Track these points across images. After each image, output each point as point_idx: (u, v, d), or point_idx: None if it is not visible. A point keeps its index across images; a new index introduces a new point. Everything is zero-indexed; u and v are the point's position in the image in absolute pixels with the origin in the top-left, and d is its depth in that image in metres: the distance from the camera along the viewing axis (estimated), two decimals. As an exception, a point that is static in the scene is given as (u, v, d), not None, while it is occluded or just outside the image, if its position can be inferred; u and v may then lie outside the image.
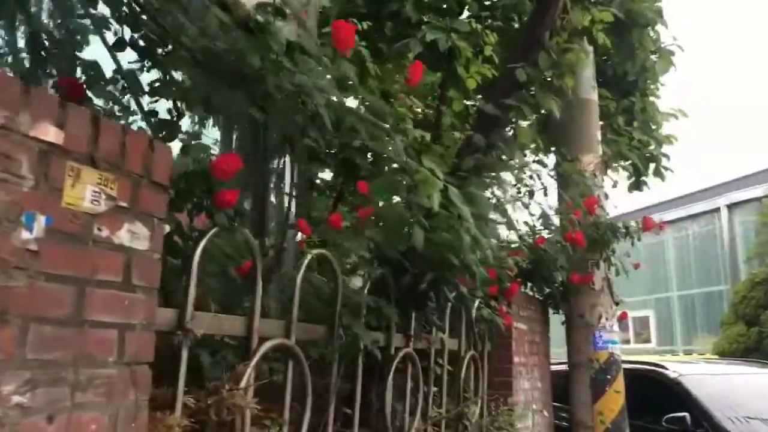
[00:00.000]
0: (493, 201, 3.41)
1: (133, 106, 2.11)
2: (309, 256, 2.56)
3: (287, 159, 4.56)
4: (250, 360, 2.21)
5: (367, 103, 4.88)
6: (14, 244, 1.35)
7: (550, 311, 6.26)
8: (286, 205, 4.07)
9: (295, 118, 2.11)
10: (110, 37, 2.07)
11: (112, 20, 2.03)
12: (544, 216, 5.48)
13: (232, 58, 1.88)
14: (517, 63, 3.33)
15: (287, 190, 4.77)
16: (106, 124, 1.59)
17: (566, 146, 6.17)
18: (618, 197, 6.56)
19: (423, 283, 3.04)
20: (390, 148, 2.41)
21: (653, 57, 6.93)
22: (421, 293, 3.09)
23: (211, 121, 4.75)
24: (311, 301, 2.75)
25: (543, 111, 3.38)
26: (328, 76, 2.22)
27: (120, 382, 1.60)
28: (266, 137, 3.84)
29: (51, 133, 1.43)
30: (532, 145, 6.25)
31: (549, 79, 3.68)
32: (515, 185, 4.67)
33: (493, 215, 3.42)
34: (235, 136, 4.71)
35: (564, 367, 6.41)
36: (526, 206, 4.61)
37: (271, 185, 4.90)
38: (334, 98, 2.17)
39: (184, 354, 1.97)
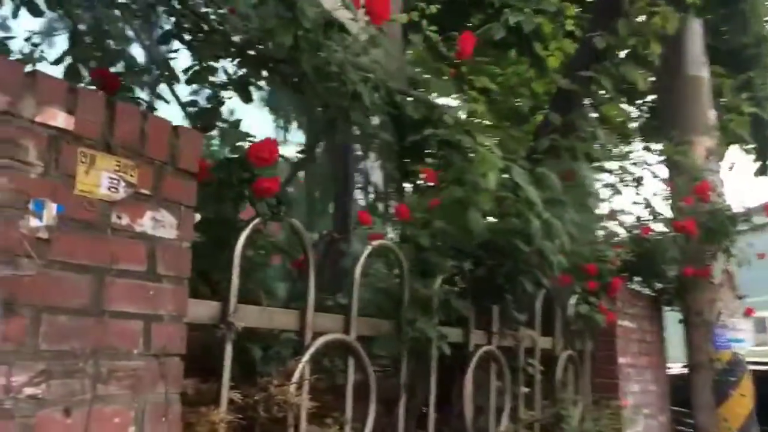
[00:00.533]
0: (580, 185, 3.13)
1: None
2: (369, 248, 2.45)
3: (369, 158, 4.50)
4: (302, 355, 2.12)
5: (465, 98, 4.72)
6: (22, 232, 1.33)
7: (666, 309, 5.78)
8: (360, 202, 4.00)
9: (336, 99, 2.01)
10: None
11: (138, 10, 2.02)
12: (649, 204, 5.07)
13: (264, 38, 1.81)
14: (596, 32, 3.05)
15: (372, 189, 4.71)
16: (122, 109, 1.55)
17: (676, 129, 5.69)
18: (746, 190, 5.89)
19: (499, 275, 2.85)
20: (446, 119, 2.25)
21: (769, 26, 6.27)
22: (497, 286, 2.89)
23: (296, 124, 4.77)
24: (376, 297, 2.64)
25: (628, 83, 3.06)
26: (374, 53, 2.11)
27: (147, 375, 1.55)
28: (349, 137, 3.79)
29: (59, 119, 1.40)
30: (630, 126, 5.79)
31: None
32: (611, 171, 4.32)
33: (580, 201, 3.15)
34: (308, 139, 4.71)
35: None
36: (618, 192, 4.25)
37: (358, 185, 4.86)
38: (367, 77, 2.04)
39: (228, 348, 1.90)
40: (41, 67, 2.08)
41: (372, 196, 4.30)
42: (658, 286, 5.49)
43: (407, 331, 2.52)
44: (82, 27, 1.96)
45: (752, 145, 7.69)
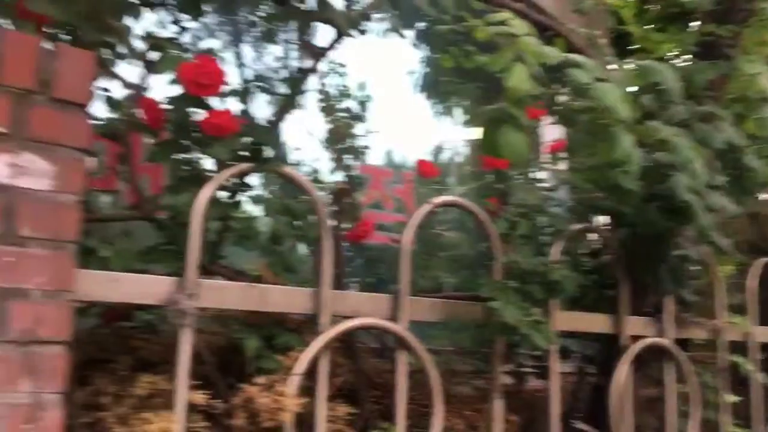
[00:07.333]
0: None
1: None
2: (426, 207, 1.84)
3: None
4: (304, 348, 1.59)
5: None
6: None
7: None
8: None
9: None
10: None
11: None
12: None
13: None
14: None
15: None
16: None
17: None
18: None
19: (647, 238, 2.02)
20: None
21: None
22: (647, 253, 2.06)
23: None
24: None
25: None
26: None
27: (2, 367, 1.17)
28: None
29: None
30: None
31: None
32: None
33: None
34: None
35: None
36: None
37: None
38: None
39: (186, 335, 1.47)
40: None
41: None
42: None
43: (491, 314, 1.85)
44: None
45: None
